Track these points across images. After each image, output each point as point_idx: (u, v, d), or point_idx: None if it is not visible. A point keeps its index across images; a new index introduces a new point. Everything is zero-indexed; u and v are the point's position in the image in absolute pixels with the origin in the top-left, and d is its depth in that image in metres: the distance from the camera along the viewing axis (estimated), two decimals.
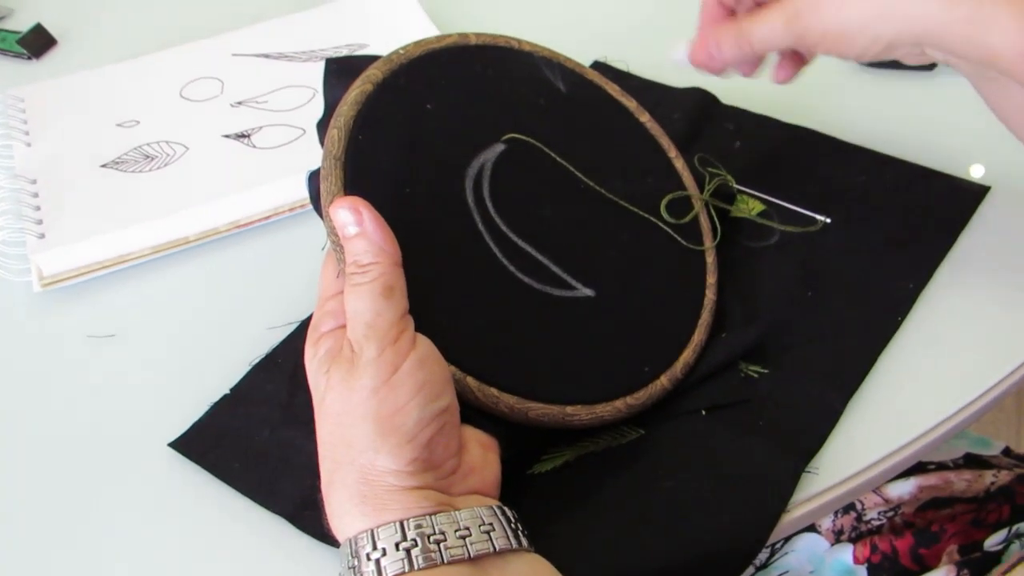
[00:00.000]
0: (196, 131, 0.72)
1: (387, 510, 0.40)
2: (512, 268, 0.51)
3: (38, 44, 0.83)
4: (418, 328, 0.44)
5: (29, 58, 0.83)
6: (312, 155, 0.68)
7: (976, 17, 0.46)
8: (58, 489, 0.53)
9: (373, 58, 0.53)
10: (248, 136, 0.71)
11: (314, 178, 0.51)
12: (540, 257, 0.52)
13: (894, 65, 0.73)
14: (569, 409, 0.49)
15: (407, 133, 0.51)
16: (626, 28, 0.79)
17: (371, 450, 0.41)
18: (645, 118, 0.61)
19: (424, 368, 0.42)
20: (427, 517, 0.40)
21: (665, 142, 0.60)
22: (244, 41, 0.80)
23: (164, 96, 0.75)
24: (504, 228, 0.51)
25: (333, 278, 0.47)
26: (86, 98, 0.76)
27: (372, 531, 0.40)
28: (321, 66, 0.76)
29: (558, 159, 0.54)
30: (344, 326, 0.44)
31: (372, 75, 0.51)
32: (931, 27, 0.48)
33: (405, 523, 0.40)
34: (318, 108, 0.72)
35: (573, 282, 0.52)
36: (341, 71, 0.54)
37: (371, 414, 0.41)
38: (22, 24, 0.84)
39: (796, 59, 0.58)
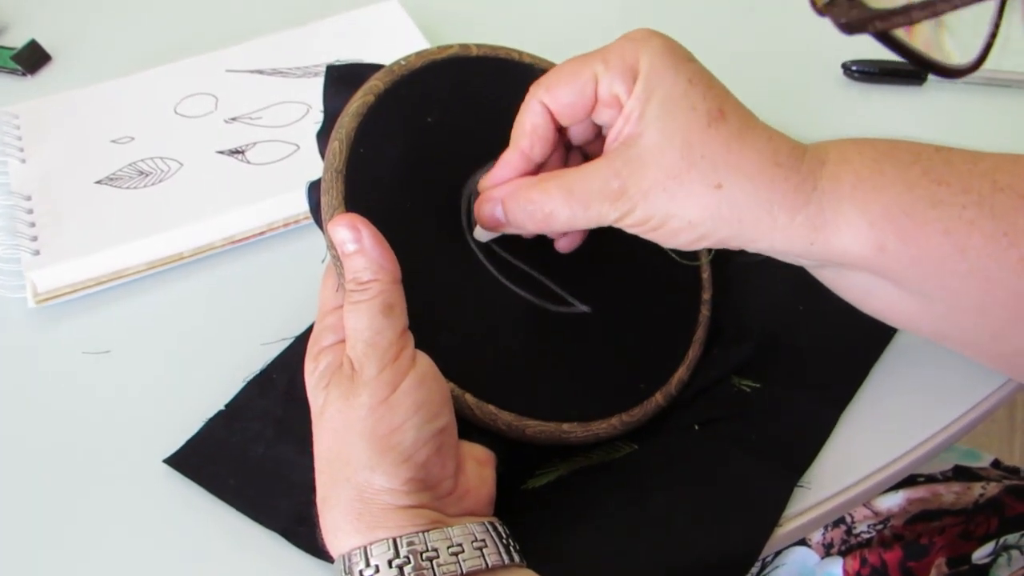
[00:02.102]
0: (190, 147, 0.72)
1: (381, 527, 0.40)
2: (510, 284, 0.51)
3: (32, 60, 0.83)
4: (416, 345, 0.45)
5: (23, 74, 0.83)
6: (306, 171, 0.69)
7: (819, 219, 0.43)
8: (53, 505, 0.53)
9: (374, 67, 0.53)
10: (242, 152, 0.71)
11: (314, 189, 0.51)
12: (535, 274, 0.52)
13: (883, 77, 0.74)
14: (565, 426, 0.49)
15: (408, 147, 0.51)
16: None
17: (367, 468, 0.41)
18: None
19: (423, 387, 0.43)
20: (419, 534, 0.40)
21: None
22: (238, 57, 0.80)
23: (158, 112, 0.76)
24: (496, 246, 0.52)
25: (333, 291, 0.47)
26: (81, 114, 0.76)
27: (365, 548, 0.40)
28: (315, 82, 0.77)
29: None
30: (344, 341, 0.44)
31: (374, 86, 0.51)
32: (770, 231, 0.43)
33: (398, 540, 0.40)
34: (312, 124, 0.73)
35: (570, 298, 0.52)
36: (342, 79, 0.54)
37: (368, 432, 0.41)
38: (16, 40, 0.84)
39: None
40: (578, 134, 0.49)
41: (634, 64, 0.44)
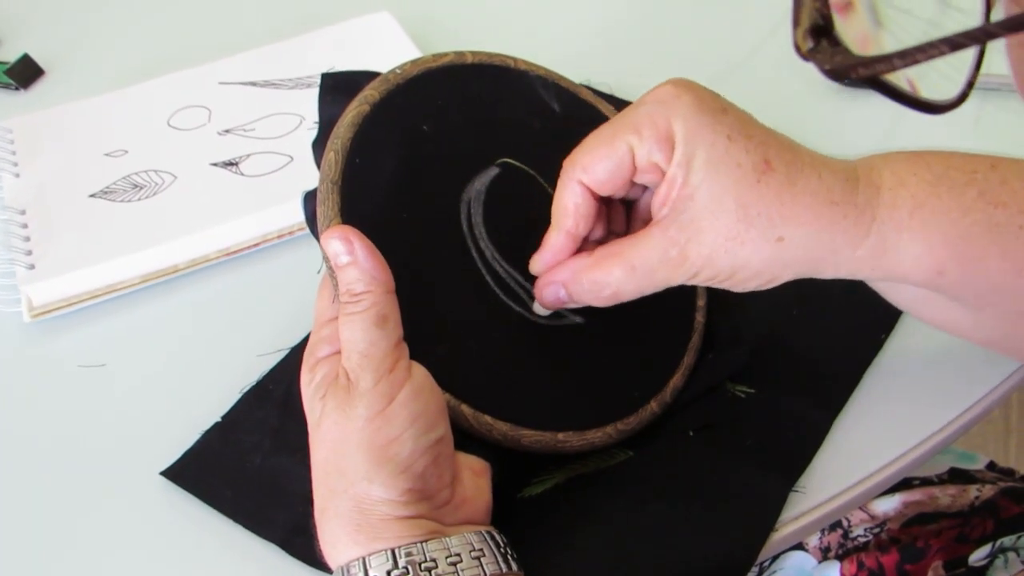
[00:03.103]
0: (184, 160, 0.72)
1: (380, 539, 0.41)
2: (504, 296, 0.51)
3: (26, 74, 0.84)
4: (412, 356, 0.45)
5: (17, 88, 0.83)
6: (300, 182, 0.69)
7: (880, 249, 0.43)
8: (49, 519, 0.53)
9: (370, 74, 0.53)
10: (236, 164, 0.71)
11: (309, 200, 0.51)
12: (530, 286, 0.52)
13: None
14: (561, 436, 0.49)
15: (404, 156, 0.51)
16: (609, 48, 0.80)
17: (365, 480, 0.41)
18: None
19: (419, 398, 0.43)
20: (417, 545, 0.40)
21: None
22: (231, 69, 0.80)
23: (152, 125, 0.76)
24: (496, 256, 0.52)
25: (329, 303, 0.47)
26: (74, 128, 0.76)
27: (364, 559, 0.40)
28: (308, 93, 0.77)
29: (548, 187, 0.55)
30: (340, 352, 0.45)
31: (369, 95, 0.51)
32: (835, 265, 0.44)
33: (396, 551, 0.40)
34: (306, 135, 0.73)
35: (562, 310, 0.53)
36: (337, 88, 0.54)
37: (365, 443, 0.41)
38: (9, 54, 0.85)
39: None
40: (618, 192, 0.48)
41: (667, 129, 0.43)
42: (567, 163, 0.47)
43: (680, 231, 0.43)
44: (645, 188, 0.49)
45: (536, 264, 0.49)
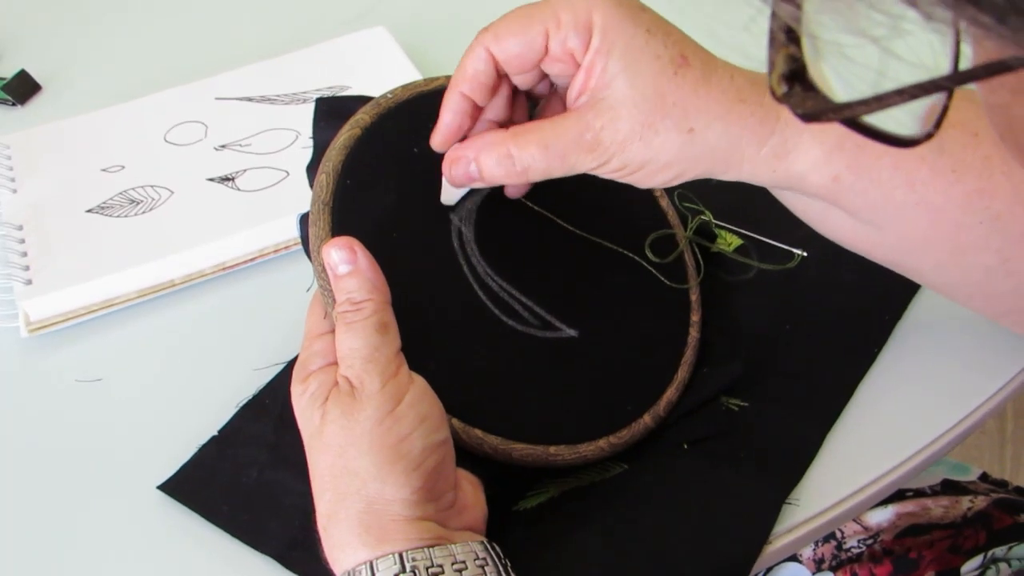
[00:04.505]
0: (181, 175, 0.73)
1: (389, 540, 0.41)
2: (496, 311, 0.52)
3: (23, 90, 0.84)
4: None
5: (13, 104, 0.83)
6: (296, 197, 0.69)
7: (782, 149, 0.45)
8: (46, 533, 0.53)
9: (363, 99, 0.54)
10: (232, 179, 0.72)
11: (304, 221, 0.51)
12: (523, 299, 0.53)
13: None
14: (552, 449, 0.49)
15: (394, 178, 0.52)
16: None
17: (378, 480, 0.42)
18: None
19: (424, 400, 0.44)
20: (424, 550, 0.41)
21: None
22: (227, 85, 0.81)
23: (149, 141, 0.76)
24: (488, 271, 0.52)
25: (320, 319, 0.48)
26: (71, 144, 0.76)
27: (371, 563, 0.41)
28: (304, 109, 0.77)
29: (535, 207, 0.55)
30: (333, 364, 0.45)
31: (360, 119, 0.52)
32: (739, 163, 0.46)
33: (404, 555, 0.40)
34: (301, 150, 0.74)
35: (557, 323, 0.53)
36: (331, 112, 0.55)
37: (376, 443, 0.42)
38: (6, 70, 0.85)
39: None
40: (524, 81, 0.49)
41: (587, 19, 0.44)
42: (480, 32, 0.47)
43: (597, 116, 0.44)
44: (551, 86, 0.50)
45: (436, 133, 0.50)
